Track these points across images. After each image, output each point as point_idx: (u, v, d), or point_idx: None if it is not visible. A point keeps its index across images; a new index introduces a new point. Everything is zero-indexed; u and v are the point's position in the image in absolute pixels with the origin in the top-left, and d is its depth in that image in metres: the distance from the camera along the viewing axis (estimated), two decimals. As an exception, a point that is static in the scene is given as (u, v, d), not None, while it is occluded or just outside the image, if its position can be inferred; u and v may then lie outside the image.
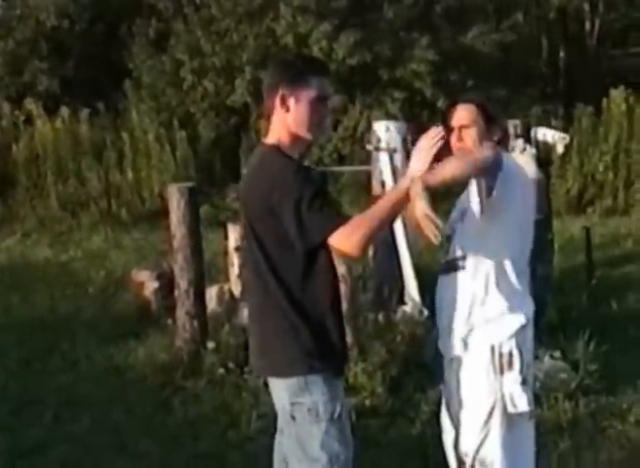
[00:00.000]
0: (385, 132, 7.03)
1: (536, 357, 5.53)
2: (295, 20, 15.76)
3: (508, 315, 3.58)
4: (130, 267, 9.42)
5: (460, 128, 3.63)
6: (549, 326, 6.40)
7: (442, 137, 3.31)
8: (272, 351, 3.36)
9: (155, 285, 8.19)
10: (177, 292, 6.86)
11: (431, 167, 3.30)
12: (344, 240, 3.15)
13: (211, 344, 6.54)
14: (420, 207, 3.12)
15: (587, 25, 22.53)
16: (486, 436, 3.62)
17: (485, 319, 3.59)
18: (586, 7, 22.15)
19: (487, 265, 3.57)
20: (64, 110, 15.39)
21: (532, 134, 7.05)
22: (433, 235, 3.10)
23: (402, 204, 3.24)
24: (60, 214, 14.09)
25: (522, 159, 6.72)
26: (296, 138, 3.35)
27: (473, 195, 3.57)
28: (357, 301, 6.57)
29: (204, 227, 7.59)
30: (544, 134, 7.16)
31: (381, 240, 6.82)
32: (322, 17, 15.65)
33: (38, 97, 16.54)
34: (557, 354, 6.08)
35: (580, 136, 14.64)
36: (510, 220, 3.55)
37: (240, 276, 7.65)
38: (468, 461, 3.69)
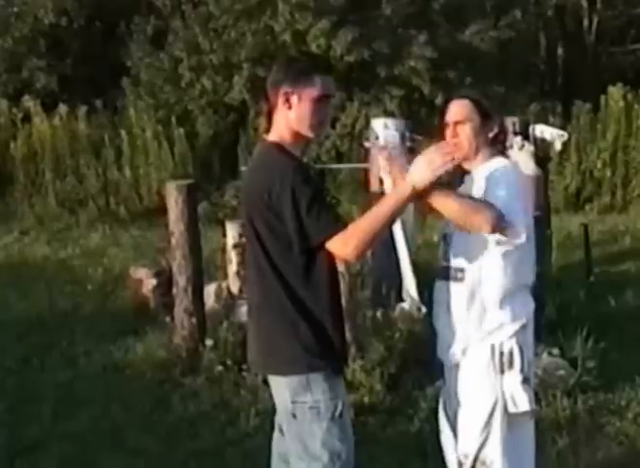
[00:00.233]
0: (384, 129, 7.02)
1: (534, 354, 5.54)
2: (293, 18, 15.74)
3: (508, 317, 3.56)
4: (128, 264, 9.44)
5: (455, 124, 3.62)
6: (548, 323, 6.40)
7: (452, 159, 3.27)
8: (272, 348, 3.36)
9: (153, 282, 8.19)
10: (175, 290, 6.86)
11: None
12: (342, 246, 3.19)
13: (209, 341, 6.54)
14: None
15: (585, 22, 22.51)
16: (487, 436, 3.61)
17: (484, 326, 3.57)
18: (585, 4, 22.13)
19: (486, 278, 3.54)
20: (62, 108, 15.40)
21: (530, 131, 7.05)
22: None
23: (400, 210, 3.25)
24: (59, 212, 14.09)
25: (520, 156, 6.73)
26: (297, 136, 3.36)
27: None
28: (355, 298, 6.56)
29: (202, 224, 7.59)
30: (543, 131, 7.15)
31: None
32: (320, 14, 15.63)
33: (36, 94, 16.54)
34: (555, 351, 6.08)
35: (579, 133, 14.66)
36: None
37: (238, 273, 7.66)
38: (468, 463, 3.68)
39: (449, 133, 3.64)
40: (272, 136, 3.38)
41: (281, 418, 3.55)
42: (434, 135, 3.80)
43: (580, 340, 6.16)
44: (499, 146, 3.69)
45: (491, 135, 3.63)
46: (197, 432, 5.55)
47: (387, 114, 13.92)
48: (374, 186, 7.28)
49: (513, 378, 3.56)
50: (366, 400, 5.70)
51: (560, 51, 22.25)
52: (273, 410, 3.65)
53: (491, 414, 3.59)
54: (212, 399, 6.05)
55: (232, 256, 7.76)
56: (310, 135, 3.36)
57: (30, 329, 7.86)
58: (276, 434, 3.68)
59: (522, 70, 19.41)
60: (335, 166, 14.32)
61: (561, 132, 7.27)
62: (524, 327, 3.59)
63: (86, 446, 5.39)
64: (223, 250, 8.10)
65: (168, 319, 7.10)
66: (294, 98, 3.30)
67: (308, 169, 3.40)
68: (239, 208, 11.76)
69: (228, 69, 16.29)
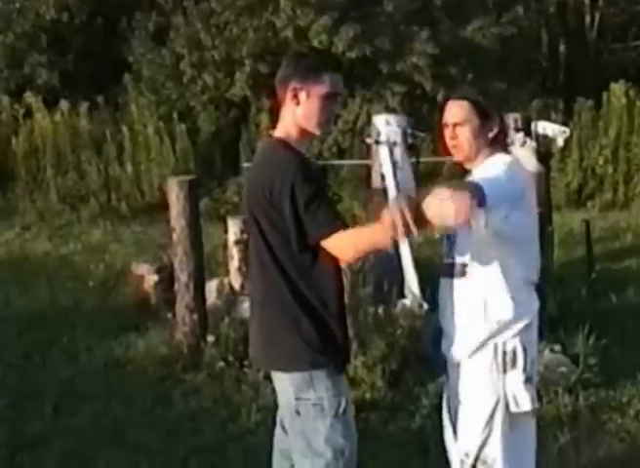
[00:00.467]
0: (385, 125, 7.01)
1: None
2: (294, 14, 15.71)
3: (511, 317, 3.54)
4: (129, 260, 9.43)
5: (454, 125, 3.59)
6: (549, 319, 6.40)
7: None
8: (275, 344, 3.36)
9: (155, 278, 8.19)
10: (176, 286, 6.86)
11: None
12: (337, 247, 3.21)
13: (210, 338, 6.55)
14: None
15: (587, 19, 22.48)
16: (488, 435, 3.59)
17: (488, 325, 3.55)
18: (587, 0, 22.11)
19: (490, 274, 3.51)
20: (64, 104, 15.37)
21: (532, 127, 7.05)
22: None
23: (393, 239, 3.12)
24: (60, 208, 14.07)
25: (522, 152, 6.72)
26: (303, 133, 3.37)
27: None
28: (357, 295, 6.56)
29: (204, 220, 7.60)
30: (545, 127, 7.14)
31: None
32: (322, 10, 15.61)
33: (38, 90, 16.49)
34: (557, 348, 6.09)
35: (580, 130, 14.63)
36: (524, 209, 3.46)
37: (240, 269, 7.66)
38: (469, 461, 3.67)
39: (447, 134, 3.61)
40: (278, 132, 3.38)
41: (283, 415, 3.55)
42: (436, 131, 3.79)
43: (581, 337, 6.16)
44: (499, 146, 3.63)
45: (490, 135, 3.60)
46: (198, 428, 5.56)
47: (389, 110, 13.87)
48: (375, 182, 7.29)
49: (516, 378, 3.55)
50: (367, 396, 5.71)
51: (562, 47, 22.22)
52: (274, 406, 3.66)
53: (492, 413, 3.57)
54: (213, 395, 6.06)
55: (234, 253, 7.76)
56: (317, 132, 3.37)
57: (32, 324, 7.86)
58: (278, 430, 3.68)
59: (524, 67, 19.38)
60: (336, 162, 14.31)
61: (563, 128, 7.27)
62: (528, 326, 3.57)
63: (87, 441, 5.40)
64: (225, 246, 8.10)
65: (169, 315, 7.10)
66: (302, 95, 3.30)
67: (311, 165, 3.40)
68: (241, 204, 11.77)
69: (230, 65, 16.27)
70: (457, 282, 3.60)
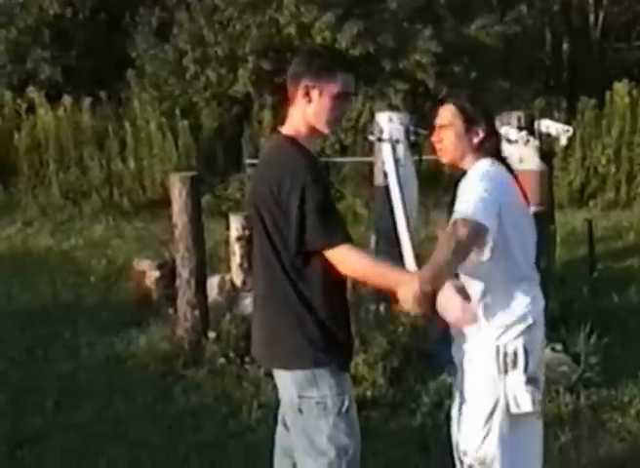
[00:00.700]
0: (388, 123, 7.00)
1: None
2: (298, 10, 15.71)
3: (513, 319, 3.56)
4: (131, 256, 9.43)
5: (440, 127, 3.65)
6: (551, 318, 6.39)
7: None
8: (278, 342, 3.36)
9: (156, 274, 8.19)
10: (178, 282, 6.86)
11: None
12: (341, 261, 3.22)
13: (212, 334, 6.55)
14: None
15: (591, 18, 22.46)
16: (486, 435, 3.61)
17: (489, 326, 3.57)
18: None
19: (482, 280, 3.56)
20: (67, 99, 15.38)
21: (535, 126, 7.03)
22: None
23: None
24: (62, 203, 14.09)
25: (525, 151, 6.72)
26: (313, 131, 3.37)
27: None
28: (358, 293, 6.56)
29: (205, 217, 7.60)
30: (548, 126, 7.13)
31: (383, 231, 6.82)
32: (325, 7, 15.60)
33: (40, 85, 16.50)
34: (558, 346, 6.08)
35: (583, 129, 14.63)
36: (507, 218, 3.49)
37: (241, 266, 7.66)
38: (468, 460, 3.69)
39: (435, 135, 3.68)
40: (287, 130, 3.38)
41: (285, 413, 3.56)
42: (429, 133, 3.83)
43: (583, 336, 6.15)
44: (486, 151, 3.65)
45: (476, 140, 3.62)
46: (199, 424, 5.56)
47: (392, 108, 13.87)
48: (377, 180, 7.28)
49: (517, 378, 3.56)
50: (368, 394, 5.70)
51: (565, 46, 22.21)
52: (275, 403, 3.66)
53: (491, 413, 3.59)
54: (214, 391, 6.06)
55: (235, 249, 7.75)
56: (325, 130, 3.39)
57: (33, 320, 7.87)
58: (280, 428, 3.68)
59: (527, 65, 19.35)
60: (339, 159, 14.30)
61: (566, 127, 7.25)
62: (531, 326, 3.59)
63: (88, 437, 5.40)
64: (227, 242, 8.10)
65: (171, 311, 7.10)
66: (314, 93, 3.30)
67: (320, 166, 3.41)
68: (243, 200, 11.78)
69: (233, 62, 16.26)
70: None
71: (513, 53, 18.22)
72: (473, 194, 3.39)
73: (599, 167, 14.55)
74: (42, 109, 15.26)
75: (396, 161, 7.09)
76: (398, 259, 7.02)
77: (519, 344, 3.55)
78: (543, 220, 6.87)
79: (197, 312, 6.74)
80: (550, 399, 5.59)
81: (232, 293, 7.55)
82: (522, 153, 6.67)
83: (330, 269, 3.27)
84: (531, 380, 3.57)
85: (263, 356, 3.56)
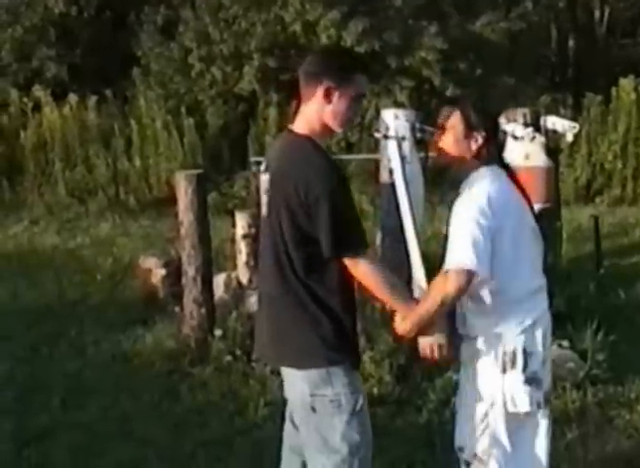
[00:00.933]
0: (394, 120, 6.98)
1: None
2: (303, 8, 15.69)
3: (512, 319, 3.60)
4: (137, 254, 9.43)
5: (442, 128, 3.71)
6: (557, 315, 6.37)
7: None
8: (289, 342, 3.36)
9: (163, 272, 8.19)
10: (184, 280, 6.87)
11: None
12: (357, 270, 3.33)
13: (218, 332, 6.55)
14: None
15: (597, 14, 22.42)
16: (483, 433, 3.65)
17: (489, 326, 3.62)
18: (596, -5, 22.09)
19: (486, 295, 3.61)
20: (72, 97, 15.38)
21: (541, 122, 7.02)
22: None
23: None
24: (68, 201, 14.10)
25: (531, 147, 6.70)
26: (326, 130, 3.40)
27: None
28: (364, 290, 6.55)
29: (211, 215, 7.60)
30: (554, 122, 7.11)
31: (389, 228, 6.81)
32: (330, 4, 15.58)
33: (46, 83, 16.49)
34: (565, 343, 6.07)
35: (589, 125, 14.59)
36: (504, 243, 3.56)
37: (247, 264, 7.65)
38: (464, 456, 3.74)
39: (437, 134, 3.76)
40: (300, 128, 3.39)
41: (293, 411, 3.56)
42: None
43: (589, 333, 6.14)
44: (486, 158, 3.68)
45: (474, 146, 3.66)
46: (206, 422, 5.56)
47: (398, 105, 13.87)
48: (383, 177, 7.27)
49: (515, 378, 3.59)
50: (375, 391, 5.71)
51: (571, 42, 22.16)
52: (282, 401, 3.66)
53: (488, 412, 3.63)
54: (220, 389, 6.06)
55: (241, 247, 7.75)
56: (339, 130, 3.43)
57: (39, 318, 7.88)
58: (288, 427, 3.69)
59: (533, 62, 19.32)
60: (345, 157, 14.27)
61: (572, 123, 7.23)
62: (531, 326, 3.62)
63: (94, 435, 5.41)
64: (233, 240, 8.10)
65: (177, 309, 7.11)
66: (335, 94, 3.32)
67: (340, 168, 3.45)
68: (249, 198, 11.76)
69: (238, 60, 16.25)
70: None
71: (519, 49, 18.19)
72: (466, 233, 3.47)
73: (605, 163, 14.51)
74: (48, 108, 15.26)
75: (402, 158, 7.08)
76: (404, 257, 7.01)
77: (518, 344, 3.58)
78: (550, 217, 6.87)
79: (203, 310, 6.75)
80: (557, 396, 5.58)
81: (238, 291, 7.54)
82: (528, 150, 6.67)
83: (343, 269, 3.32)
84: (530, 380, 3.60)
85: (271, 355, 3.56)
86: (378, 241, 7.18)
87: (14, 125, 15.33)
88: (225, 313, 6.84)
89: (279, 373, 3.65)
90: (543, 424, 3.75)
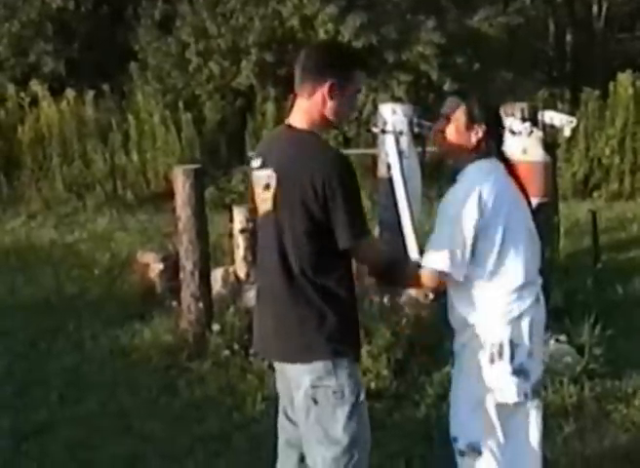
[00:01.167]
0: (392, 114, 6.99)
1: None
2: (301, 2, 15.67)
3: (498, 311, 3.64)
4: (135, 249, 9.44)
5: (445, 118, 3.77)
6: (555, 309, 6.39)
7: None
8: (296, 338, 3.36)
9: (160, 267, 8.19)
10: (182, 275, 6.87)
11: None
12: (363, 257, 3.51)
13: (216, 326, 6.55)
14: None
15: (595, 9, 22.39)
16: (475, 423, 3.70)
17: (477, 318, 3.68)
18: (594, -10, 22.07)
19: (474, 279, 3.66)
20: (70, 92, 15.35)
21: (539, 117, 7.02)
22: None
23: None
24: (66, 196, 14.09)
25: (529, 142, 6.71)
26: (326, 124, 3.44)
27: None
28: (362, 284, 6.56)
29: (209, 209, 7.60)
30: (552, 117, 7.11)
31: (386, 222, 6.82)
32: (328, -1, 15.59)
33: (43, 78, 16.46)
34: (562, 338, 6.08)
35: (587, 120, 14.59)
36: (494, 236, 3.62)
37: (245, 258, 7.65)
38: (458, 446, 3.78)
39: (438, 124, 3.82)
40: (301, 123, 3.40)
41: (288, 405, 3.57)
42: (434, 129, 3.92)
43: (587, 327, 6.15)
44: (485, 152, 3.74)
45: (474, 139, 3.71)
46: (203, 416, 5.57)
47: (395, 100, 13.86)
48: (381, 172, 7.27)
49: (502, 369, 3.63)
50: (372, 385, 5.71)
51: (569, 37, 22.14)
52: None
53: (479, 402, 3.68)
54: (218, 384, 6.07)
55: (239, 241, 7.76)
56: (338, 124, 3.52)
57: (37, 313, 7.88)
58: (283, 421, 3.69)
59: (531, 56, 19.33)
60: (343, 151, 14.29)
61: (570, 118, 7.23)
62: (517, 318, 3.64)
63: (93, 429, 5.42)
64: (230, 234, 8.11)
65: (175, 303, 7.11)
66: (339, 90, 3.35)
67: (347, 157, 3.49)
68: (246, 192, 11.75)
69: (236, 54, 16.23)
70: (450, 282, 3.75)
71: (516, 44, 18.19)
72: (446, 232, 3.59)
73: (603, 158, 14.52)
74: (45, 102, 15.23)
75: (400, 153, 7.08)
76: (402, 251, 7.02)
77: (504, 336, 3.62)
78: (547, 212, 6.87)
79: (201, 305, 6.75)
80: (554, 390, 5.60)
81: (236, 286, 7.55)
82: (526, 144, 6.67)
83: (347, 260, 3.41)
84: (517, 372, 3.64)
85: (275, 351, 3.53)
86: (376, 235, 7.18)
87: (11, 120, 15.30)
88: (223, 308, 6.84)
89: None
90: (534, 414, 3.78)
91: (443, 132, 3.75)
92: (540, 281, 3.79)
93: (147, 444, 5.20)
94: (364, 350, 5.82)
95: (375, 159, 7.92)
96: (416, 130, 6.99)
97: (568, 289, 7.11)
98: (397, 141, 7.03)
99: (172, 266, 7.82)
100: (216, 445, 5.17)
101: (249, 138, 14.81)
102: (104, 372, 6.43)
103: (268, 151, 3.47)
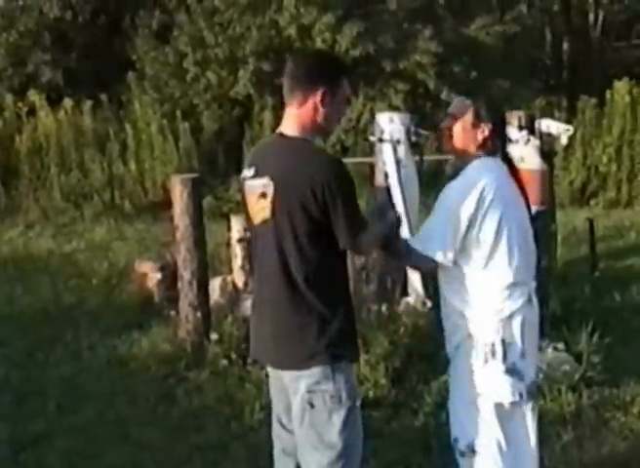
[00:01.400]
0: (389, 123, 7.00)
1: (539, 348, 5.54)
2: (298, 12, 15.73)
3: (489, 311, 3.67)
4: (133, 258, 9.44)
5: (451, 117, 3.83)
6: (553, 317, 6.40)
7: None
8: (296, 345, 3.37)
9: (158, 276, 8.19)
10: (180, 284, 6.87)
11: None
12: (368, 245, 3.51)
13: (214, 335, 6.55)
14: None
15: (591, 17, 22.49)
16: (475, 424, 3.72)
17: (469, 319, 3.71)
18: (590, -2, 22.15)
19: (465, 275, 3.71)
20: (67, 102, 15.37)
21: (536, 125, 7.03)
22: None
23: None
24: (64, 206, 14.08)
25: (526, 150, 6.71)
26: (318, 131, 3.47)
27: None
28: (360, 293, 6.56)
29: (207, 218, 7.59)
30: (549, 125, 7.13)
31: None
32: (325, 8, 15.62)
33: (41, 88, 16.49)
34: (560, 346, 6.08)
35: (584, 128, 14.62)
36: (489, 231, 3.66)
37: (243, 267, 7.65)
38: (458, 447, 3.79)
39: (444, 123, 3.87)
40: (293, 130, 3.43)
41: (282, 413, 3.58)
42: (439, 129, 3.96)
43: (584, 335, 6.15)
44: (490, 150, 3.81)
45: (480, 137, 3.77)
46: (201, 426, 5.56)
47: (392, 108, 13.89)
48: (379, 180, 7.28)
49: (495, 368, 3.67)
50: (370, 394, 5.71)
51: (565, 45, 22.22)
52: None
53: (477, 402, 3.71)
54: (216, 393, 6.06)
55: (237, 250, 7.76)
56: (331, 131, 3.57)
57: (35, 322, 7.87)
58: (277, 429, 3.69)
59: (527, 65, 19.40)
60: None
61: (567, 126, 7.25)
62: (509, 318, 3.68)
63: (91, 439, 5.40)
64: (228, 244, 8.10)
65: (173, 313, 7.11)
66: (330, 98, 3.40)
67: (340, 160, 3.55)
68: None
69: (233, 64, 16.28)
70: (442, 279, 3.82)
71: (513, 52, 18.26)
72: (443, 219, 3.66)
73: (600, 166, 14.53)
74: (43, 112, 15.25)
75: (397, 161, 7.09)
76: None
77: (496, 335, 3.66)
78: (545, 220, 6.87)
79: (199, 314, 6.75)
80: (552, 398, 5.59)
81: (234, 295, 7.55)
82: (523, 153, 6.67)
83: (344, 265, 3.47)
84: (510, 371, 3.67)
85: (275, 359, 3.52)
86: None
87: (9, 129, 15.31)
88: (221, 317, 6.84)
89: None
90: (530, 416, 3.80)
91: (450, 130, 3.81)
92: (533, 284, 3.81)
93: (145, 453, 5.19)
94: (362, 359, 5.82)
95: (372, 168, 7.92)
96: (413, 138, 7.03)
97: (565, 296, 7.10)
98: (394, 150, 7.03)
99: (170, 275, 7.82)
100: (214, 454, 5.16)
101: (246, 148, 14.81)
102: (102, 382, 6.42)
103: (262, 160, 3.48)
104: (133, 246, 11.29)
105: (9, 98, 15.73)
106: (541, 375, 5.51)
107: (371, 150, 9.45)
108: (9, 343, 7.35)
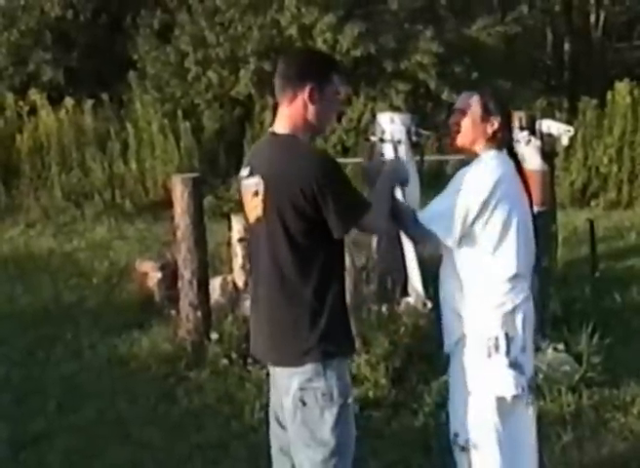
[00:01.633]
0: (390, 123, 7.01)
1: (539, 349, 5.55)
2: (299, 12, 15.73)
3: (492, 305, 3.69)
4: (133, 258, 9.44)
5: (459, 111, 3.85)
6: (553, 318, 6.40)
7: None
8: (291, 342, 3.38)
9: (159, 275, 8.19)
10: (180, 283, 6.87)
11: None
12: (374, 220, 3.47)
13: (214, 335, 6.55)
14: None
15: (592, 18, 22.47)
16: (475, 418, 3.73)
17: (470, 313, 3.72)
18: (592, -1, 22.14)
19: (466, 268, 3.74)
20: (68, 101, 15.36)
21: (537, 126, 7.03)
22: None
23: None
24: (64, 205, 14.07)
25: (527, 151, 6.71)
26: (310, 128, 3.45)
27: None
28: (360, 293, 6.57)
29: (207, 218, 7.59)
30: (549, 126, 7.13)
31: (385, 231, 6.82)
32: (326, 8, 15.62)
33: (42, 87, 16.49)
34: (560, 346, 6.08)
35: (585, 129, 14.60)
36: (494, 222, 3.68)
37: (243, 267, 7.65)
38: (458, 442, 3.81)
39: (452, 117, 3.89)
40: (284, 129, 3.43)
41: (279, 411, 3.58)
42: (440, 129, 3.99)
43: (585, 336, 6.15)
44: (499, 142, 3.84)
45: (490, 130, 3.80)
46: (202, 425, 5.56)
47: (393, 109, 13.89)
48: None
49: (499, 362, 3.68)
50: (370, 394, 5.71)
51: (567, 46, 22.20)
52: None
53: (479, 397, 3.72)
54: (216, 392, 6.06)
55: (237, 250, 7.75)
56: (323, 128, 3.54)
57: (36, 321, 7.87)
58: (275, 428, 3.70)
59: (528, 65, 19.38)
60: (341, 160, 14.25)
61: (568, 127, 7.25)
62: (511, 313, 3.70)
63: (91, 438, 5.41)
64: (229, 243, 8.10)
65: (173, 312, 7.11)
66: (319, 94, 3.40)
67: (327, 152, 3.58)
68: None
69: (234, 63, 16.28)
70: (442, 273, 3.86)
71: (514, 53, 18.26)
72: (454, 202, 3.67)
73: (601, 167, 14.52)
74: (44, 111, 15.24)
75: (397, 162, 7.08)
76: (400, 260, 7.03)
77: (499, 329, 3.67)
78: (545, 220, 6.87)
79: (199, 313, 6.75)
80: (552, 399, 5.60)
81: (234, 295, 7.55)
82: (524, 153, 6.67)
83: (339, 259, 3.45)
84: (513, 365, 3.69)
85: (273, 357, 3.54)
86: (373, 244, 7.19)
87: (10, 128, 15.30)
88: (221, 316, 6.84)
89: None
90: (530, 411, 3.82)
91: (458, 124, 3.83)
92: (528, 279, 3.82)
93: (146, 452, 5.20)
94: (362, 359, 5.83)
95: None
96: (414, 139, 7.03)
97: (566, 297, 7.11)
98: (395, 150, 7.05)
99: (170, 275, 7.82)
100: (214, 453, 5.16)
101: (247, 147, 14.80)
102: (103, 381, 6.43)
103: (256, 159, 3.52)
104: (133, 245, 11.29)
105: (10, 98, 15.73)
106: (542, 376, 5.52)
107: (372, 150, 9.44)
108: (9, 342, 7.35)
